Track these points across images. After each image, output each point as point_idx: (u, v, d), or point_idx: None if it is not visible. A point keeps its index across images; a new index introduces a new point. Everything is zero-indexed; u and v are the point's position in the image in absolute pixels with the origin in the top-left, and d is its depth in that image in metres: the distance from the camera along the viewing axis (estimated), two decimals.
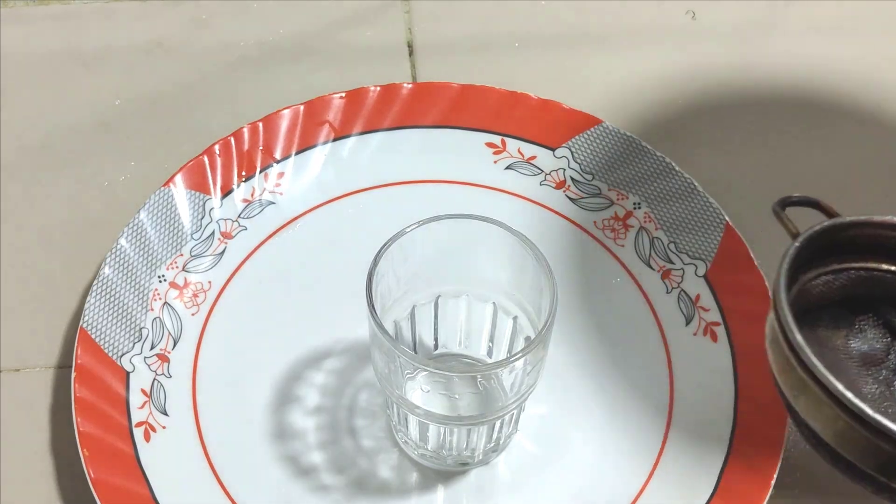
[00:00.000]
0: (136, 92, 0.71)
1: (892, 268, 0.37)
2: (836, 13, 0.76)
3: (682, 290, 0.60)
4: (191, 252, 0.61)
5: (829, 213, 0.38)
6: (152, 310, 0.58)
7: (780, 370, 0.34)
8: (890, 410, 0.35)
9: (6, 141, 0.68)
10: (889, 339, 0.38)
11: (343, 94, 0.65)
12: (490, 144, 0.65)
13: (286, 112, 0.64)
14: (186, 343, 0.58)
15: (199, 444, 0.54)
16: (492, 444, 0.53)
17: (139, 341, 0.57)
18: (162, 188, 0.61)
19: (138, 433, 0.54)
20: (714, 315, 0.58)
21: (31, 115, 0.69)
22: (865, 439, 0.31)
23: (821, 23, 0.76)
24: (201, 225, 0.61)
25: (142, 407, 0.55)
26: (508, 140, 0.65)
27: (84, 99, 0.70)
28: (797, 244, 0.36)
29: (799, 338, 0.33)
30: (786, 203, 0.39)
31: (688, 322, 0.59)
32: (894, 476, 0.32)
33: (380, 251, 0.48)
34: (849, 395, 0.31)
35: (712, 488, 0.53)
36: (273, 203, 0.63)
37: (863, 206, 0.66)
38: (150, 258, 0.59)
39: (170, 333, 0.58)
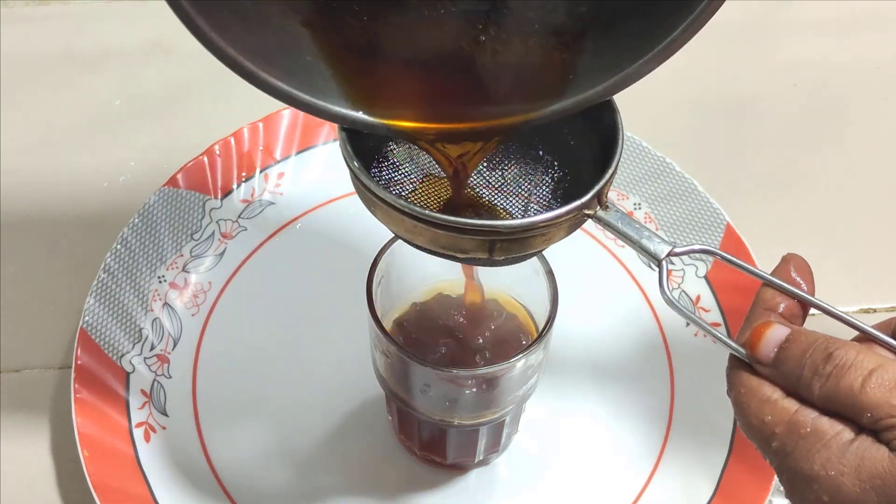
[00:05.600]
0: (135, 92, 0.71)
1: None
2: (837, 13, 0.76)
3: (683, 290, 0.60)
4: (191, 252, 0.61)
5: None
6: (152, 310, 0.58)
7: (359, 194, 0.41)
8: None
9: (6, 141, 0.68)
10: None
11: None
12: None
13: (286, 112, 0.64)
14: (186, 343, 0.58)
15: (199, 444, 0.54)
16: (492, 445, 0.53)
17: (139, 342, 0.57)
18: (162, 188, 0.61)
19: (138, 433, 0.54)
20: (715, 315, 0.58)
21: (31, 115, 0.69)
22: (421, 229, 0.38)
23: (821, 23, 0.75)
24: (201, 225, 0.61)
25: (142, 407, 0.55)
26: None
27: (84, 99, 0.70)
28: None
29: (355, 164, 0.39)
30: None
31: (688, 323, 0.59)
32: (448, 249, 0.39)
33: (380, 251, 0.48)
34: (393, 199, 0.38)
35: (713, 488, 0.53)
36: (273, 203, 0.63)
37: (864, 207, 0.66)
38: (149, 259, 0.59)
39: (170, 334, 0.58)
